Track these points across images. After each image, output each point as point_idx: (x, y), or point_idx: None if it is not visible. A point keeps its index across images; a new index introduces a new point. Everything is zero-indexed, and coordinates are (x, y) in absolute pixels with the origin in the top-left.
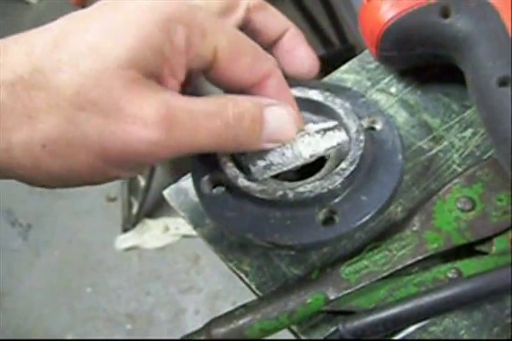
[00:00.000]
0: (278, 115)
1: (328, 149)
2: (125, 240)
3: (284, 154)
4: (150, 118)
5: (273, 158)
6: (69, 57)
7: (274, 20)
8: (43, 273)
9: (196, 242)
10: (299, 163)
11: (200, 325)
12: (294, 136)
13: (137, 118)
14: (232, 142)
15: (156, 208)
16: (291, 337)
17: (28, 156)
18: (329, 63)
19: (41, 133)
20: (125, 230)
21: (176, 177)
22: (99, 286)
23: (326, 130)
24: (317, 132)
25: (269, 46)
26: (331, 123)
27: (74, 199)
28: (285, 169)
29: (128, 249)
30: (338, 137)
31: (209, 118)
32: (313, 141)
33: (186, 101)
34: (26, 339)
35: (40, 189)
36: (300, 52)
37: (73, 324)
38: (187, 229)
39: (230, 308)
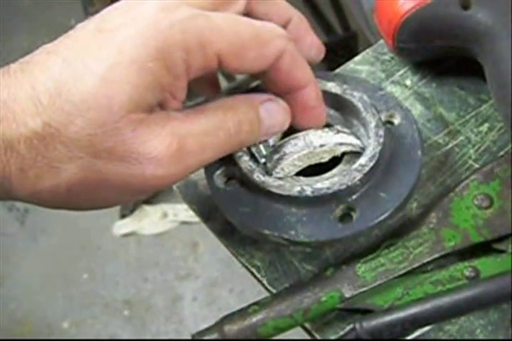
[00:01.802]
0: (271, 111)
1: (339, 144)
2: (123, 226)
3: (296, 144)
4: (163, 156)
5: (286, 148)
6: (74, 107)
7: (276, 10)
8: (40, 259)
9: (194, 229)
10: (309, 150)
11: (198, 312)
12: (287, 126)
13: (151, 159)
14: (235, 146)
15: (155, 194)
16: (300, 337)
17: (56, 199)
18: (331, 50)
19: (65, 181)
20: (123, 216)
21: None
22: (97, 272)
23: (340, 131)
24: (331, 130)
25: None
26: (346, 129)
27: None
28: (296, 157)
29: (126, 235)
30: (351, 139)
31: (213, 135)
32: (326, 135)
33: (190, 123)
34: (27, 339)
35: None
36: (306, 41)
37: (70, 310)
38: (185, 215)
39: (227, 295)
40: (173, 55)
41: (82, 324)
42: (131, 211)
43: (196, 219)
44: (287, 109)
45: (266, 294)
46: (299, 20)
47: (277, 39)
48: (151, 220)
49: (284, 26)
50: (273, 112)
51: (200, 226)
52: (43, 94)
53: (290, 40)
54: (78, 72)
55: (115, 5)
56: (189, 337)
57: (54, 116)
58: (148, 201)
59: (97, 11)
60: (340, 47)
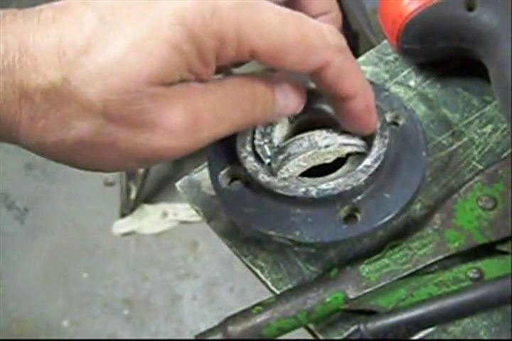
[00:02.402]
0: (287, 92)
1: (344, 145)
2: (123, 225)
3: (301, 145)
4: (178, 128)
5: (291, 149)
6: (98, 69)
7: (319, 1)
8: (39, 258)
9: (194, 228)
10: (314, 151)
11: (197, 312)
12: (301, 109)
13: (166, 130)
14: (248, 123)
15: (155, 193)
16: (307, 336)
17: (59, 153)
18: None
19: (72, 138)
20: (123, 215)
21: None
22: (96, 271)
23: (344, 132)
24: (336, 131)
25: None
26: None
27: (71, 184)
28: (301, 157)
29: (125, 234)
30: (356, 140)
31: (229, 110)
32: (330, 136)
33: (209, 96)
34: (28, 339)
35: (37, 172)
36: None
37: (69, 309)
38: (185, 215)
39: (227, 295)
40: (207, 43)
41: (81, 323)
42: (131, 210)
43: (196, 218)
44: (303, 92)
45: (266, 293)
46: (333, 19)
47: (325, 49)
48: (151, 219)
49: (317, 17)
50: (289, 93)
51: (200, 225)
52: (70, 49)
53: (340, 51)
54: (111, 35)
55: None
56: (189, 337)
57: (75, 73)
58: (148, 200)
59: None
60: None
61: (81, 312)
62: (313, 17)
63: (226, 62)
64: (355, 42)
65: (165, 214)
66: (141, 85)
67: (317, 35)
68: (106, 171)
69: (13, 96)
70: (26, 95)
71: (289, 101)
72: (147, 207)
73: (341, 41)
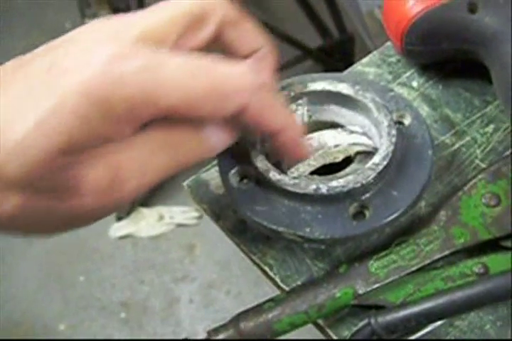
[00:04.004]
0: (215, 127)
1: (352, 145)
2: (119, 228)
3: (311, 145)
4: (100, 188)
5: None
6: (12, 147)
7: (247, 38)
8: (36, 261)
9: (191, 231)
10: (323, 150)
11: (194, 314)
12: (234, 140)
13: (88, 193)
14: (179, 166)
15: (151, 197)
16: (310, 337)
17: (2, 226)
18: (327, 53)
19: (7, 213)
20: (119, 218)
21: None
22: (93, 275)
23: (353, 131)
24: (344, 130)
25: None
26: (359, 129)
27: None
28: (311, 157)
29: (122, 238)
30: (364, 140)
31: (152, 159)
32: (339, 136)
33: (128, 150)
34: (28, 339)
35: None
36: None
37: (66, 312)
38: (181, 218)
39: (224, 297)
40: (116, 110)
41: (78, 326)
42: (128, 213)
43: (192, 221)
44: (234, 122)
45: (263, 296)
46: (264, 55)
47: (239, 93)
48: (148, 223)
49: (249, 56)
50: (217, 129)
51: (197, 228)
52: None
53: (257, 90)
54: (21, 113)
55: (80, 39)
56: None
57: None
58: (145, 203)
59: (94, 14)
60: (336, 50)
61: (78, 316)
62: (245, 56)
63: (145, 121)
64: (351, 45)
65: (161, 217)
66: (51, 158)
67: (228, 81)
68: (49, 236)
69: None
70: None
71: (220, 136)
72: (143, 210)
73: (257, 79)
